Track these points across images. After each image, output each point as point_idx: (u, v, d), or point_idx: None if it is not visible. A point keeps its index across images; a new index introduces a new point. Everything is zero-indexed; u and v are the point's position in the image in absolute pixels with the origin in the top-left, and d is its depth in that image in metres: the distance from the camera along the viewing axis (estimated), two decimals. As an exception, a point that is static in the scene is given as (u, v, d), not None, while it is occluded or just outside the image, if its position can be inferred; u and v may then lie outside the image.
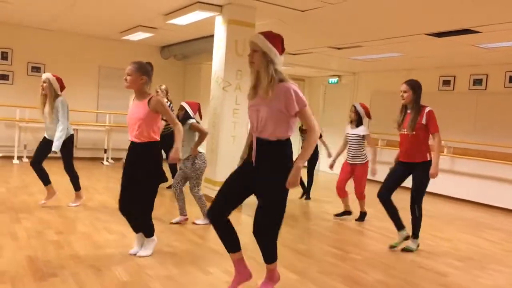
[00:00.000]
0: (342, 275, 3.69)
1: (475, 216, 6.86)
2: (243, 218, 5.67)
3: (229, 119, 6.18)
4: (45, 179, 5.27)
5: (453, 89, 8.40)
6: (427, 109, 4.35)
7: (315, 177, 7.62)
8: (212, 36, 6.55)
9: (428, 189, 8.56)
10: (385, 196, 4.60)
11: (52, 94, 5.09)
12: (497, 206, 7.51)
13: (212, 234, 4.68)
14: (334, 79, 11.04)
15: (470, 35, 5.83)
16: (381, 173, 9.71)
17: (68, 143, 5.24)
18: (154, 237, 3.87)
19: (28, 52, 9.23)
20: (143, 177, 3.60)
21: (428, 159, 4.41)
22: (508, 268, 4.31)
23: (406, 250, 4.45)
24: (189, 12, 6.29)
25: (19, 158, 8.72)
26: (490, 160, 7.57)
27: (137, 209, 3.69)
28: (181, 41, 9.54)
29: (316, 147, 5.37)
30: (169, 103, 7.00)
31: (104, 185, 7.02)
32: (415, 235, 4.52)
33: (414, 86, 4.37)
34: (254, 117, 2.86)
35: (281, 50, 2.85)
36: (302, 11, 5.91)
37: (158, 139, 3.68)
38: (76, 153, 9.17)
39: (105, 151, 9.25)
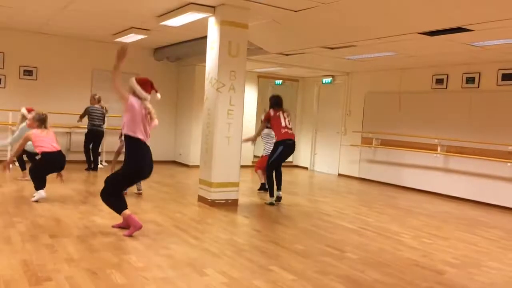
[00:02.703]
0: (339, 275, 3.68)
1: (472, 214, 6.87)
2: (238, 219, 5.65)
3: (223, 120, 6.16)
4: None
5: (446, 88, 8.43)
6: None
7: (311, 177, 7.63)
8: (205, 37, 6.54)
9: (425, 188, 8.71)
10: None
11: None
12: (493, 204, 7.53)
13: (208, 236, 4.66)
14: (328, 79, 11.05)
15: (463, 33, 5.84)
16: (374, 171, 9.75)
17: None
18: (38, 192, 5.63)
19: (20, 56, 9.17)
20: None
21: (278, 139, 6.43)
22: (505, 265, 4.32)
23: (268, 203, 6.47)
24: (182, 13, 6.27)
25: (12, 162, 8.63)
26: (485, 158, 7.60)
27: None
28: (174, 43, 9.51)
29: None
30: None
31: (99, 188, 6.94)
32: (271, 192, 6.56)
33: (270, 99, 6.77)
34: None
35: (150, 89, 4.50)
36: (295, 11, 5.91)
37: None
38: (71, 157, 9.19)
39: (99, 154, 9.19)
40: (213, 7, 6.13)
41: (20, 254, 3.68)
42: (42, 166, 5.73)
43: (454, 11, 5.20)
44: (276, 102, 6.60)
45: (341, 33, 6.75)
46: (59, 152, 5.81)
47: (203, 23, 6.47)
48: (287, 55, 8.43)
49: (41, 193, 5.69)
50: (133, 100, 4.35)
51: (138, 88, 4.37)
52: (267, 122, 6.64)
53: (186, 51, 9.41)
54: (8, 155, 7.15)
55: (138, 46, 9.95)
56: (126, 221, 4.49)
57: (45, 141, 5.70)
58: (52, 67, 9.48)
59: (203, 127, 6.49)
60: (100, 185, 4.74)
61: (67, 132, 9.52)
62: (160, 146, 10.61)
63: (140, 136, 4.36)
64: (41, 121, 5.82)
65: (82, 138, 8.99)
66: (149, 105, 4.46)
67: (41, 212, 5.17)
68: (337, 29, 6.59)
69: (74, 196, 6.21)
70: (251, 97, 11.08)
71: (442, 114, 8.45)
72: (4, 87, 9.06)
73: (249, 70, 9.95)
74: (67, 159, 9.31)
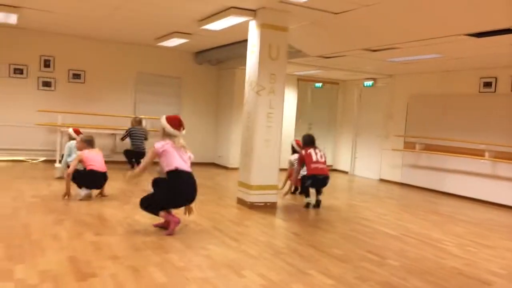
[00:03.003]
0: (380, 282, 3.61)
1: (520, 223, 6.57)
2: (276, 222, 5.65)
3: (263, 123, 6.19)
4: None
5: (495, 91, 8.11)
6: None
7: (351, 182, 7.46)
8: (245, 40, 6.59)
9: (470, 194, 8.39)
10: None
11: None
12: (543, 213, 7.18)
13: (246, 238, 4.69)
14: (369, 82, 10.87)
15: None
16: (416, 176, 9.47)
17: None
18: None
19: (69, 60, 9.57)
20: None
21: (308, 174, 6.56)
22: (557, 277, 4.10)
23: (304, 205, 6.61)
24: (223, 17, 6.35)
25: (61, 162, 9.01)
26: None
27: None
28: (215, 47, 9.64)
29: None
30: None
31: (142, 189, 7.14)
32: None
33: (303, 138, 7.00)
34: None
35: (177, 126, 4.62)
36: (336, 13, 5.86)
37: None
38: (115, 158, 9.48)
39: (143, 154, 9.42)
40: (254, 10, 6.17)
41: (67, 250, 3.84)
42: (84, 178, 5.98)
43: (502, 12, 5.01)
44: (309, 141, 6.81)
45: (383, 35, 6.63)
46: (105, 173, 6.11)
47: (243, 26, 6.53)
48: (327, 57, 8.36)
49: (84, 190, 5.94)
50: (161, 144, 4.54)
51: (168, 126, 4.58)
52: (302, 162, 6.65)
53: (226, 54, 9.52)
54: (59, 172, 7.42)
55: (180, 50, 10.17)
56: (165, 219, 4.62)
57: (96, 160, 6.03)
58: (99, 70, 9.84)
59: (243, 130, 6.55)
60: (143, 185, 4.86)
61: (112, 134, 9.83)
62: (200, 148, 10.78)
63: (177, 165, 4.50)
64: (88, 142, 6.18)
65: (126, 140, 9.25)
66: (181, 140, 4.63)
67: (87, 211, 5.37)
68: (379, 31, 6.48)
69: (118, 196, 6.41)
70: (291, 100, 11.07)
71: (489, 119, 8.13)
72: (54, 90, 9.48)
73: (289, 73, 9.93)
74: (112, 159, 9.68)
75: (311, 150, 6.62)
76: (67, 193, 5.90)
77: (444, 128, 8.92)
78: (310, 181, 6.53)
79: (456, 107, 8.76)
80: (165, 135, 4.62)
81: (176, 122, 4.64)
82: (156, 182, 4.71)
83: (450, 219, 6.43)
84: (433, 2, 5.04)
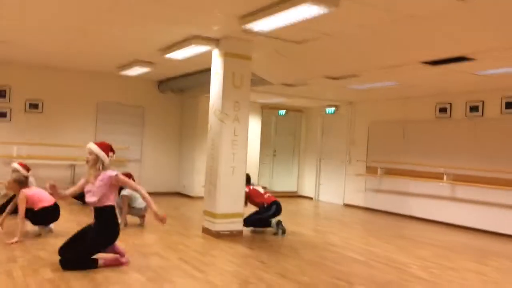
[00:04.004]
0: (348, 308, 3.58)
1: (482, 244, 6.74)
2: (243, 250, 5.56)
3: (227, 150, 6.15)
4: None
5: (450, 116, 8.44)
6: None
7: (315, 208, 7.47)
8: (208, 69, 6.61)
9: (432, 217, 8.57)
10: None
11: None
12: (502, 233, 7.39)
13: (212, 268, 4.57)
14: (331, 109, 11.10)
15: (465, 62, 5.89)
16: (379, 201, 9.63)
17: None
18: None
19: (26, 90, 9.27)
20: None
21: (268, 203, 6.70)
22: (518, 296, 4.20)
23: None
24: (186, 46, 6.35)
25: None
26: (493, 186, 7.51)
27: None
28: (178, 75, 9.62)
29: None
30: None
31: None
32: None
33: None
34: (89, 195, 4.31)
35: (110, 153, 4.36)
36: (298, 42, 5.99)
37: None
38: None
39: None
40: (217, 39, 6.22)
41: (22, 289, 3.62)
42: (38, 218, 5.54)
43: (456, 41, 5.26)
44: (247, 180, 6.80)
45: (344, 63, 6.82)
46: (55, 203, 5.67)
47: (206, 55, 6.55)
48: (289, 85, 8.50)
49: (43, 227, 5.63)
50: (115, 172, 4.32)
51: (102, 154, 4.32)
52: (247, 199, 6.75)
53: (190, 83, 9.51)
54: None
55: (142, 78, 10.07)
56: (112, 260, 4.40)
57: (41, 197, 5.54)
58: (58, 100, 9.57)
59: (207, 157, 6.49)
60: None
61: (71, 165, 9.53)
62: (164, 178, 10.62)
63: (115, 201, 4.40)
64: (20, 183, 5.47)
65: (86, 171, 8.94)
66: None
67: (43, 246, 5.11)
68: (340, 59, 6.66)
69: (75, 229, 6.12)
70: (255, 127, 11.12)
71: (446, 143, 8.42)
72: (10, 121, 9.13)
73: (253, 101, 10.01)
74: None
75: (253, 187, 6.91)
76: (19, 240, 5.19)
77: (404, 153, 9.17)
78: (274, 206, 6.62)
79: (414, 132, 9.04)
80: (100, 161, 4.34)
81: (108, 148, 4.39)
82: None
83: (414, 242, 6.53)
84: (390, 31, 5.24)
